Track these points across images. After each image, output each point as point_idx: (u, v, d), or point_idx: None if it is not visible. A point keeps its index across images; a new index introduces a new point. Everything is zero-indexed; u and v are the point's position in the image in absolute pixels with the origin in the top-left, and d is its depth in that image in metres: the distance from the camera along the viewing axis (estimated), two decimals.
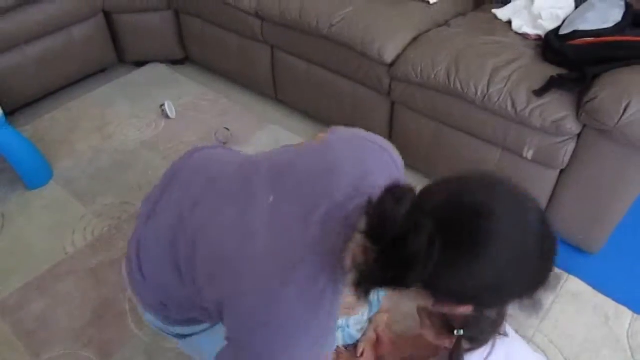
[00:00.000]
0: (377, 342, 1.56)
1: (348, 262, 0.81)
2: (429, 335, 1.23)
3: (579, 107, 1.60)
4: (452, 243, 0.67)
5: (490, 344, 1.20)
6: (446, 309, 0.76)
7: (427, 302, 0.75)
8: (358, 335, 1.55)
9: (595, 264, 1.88)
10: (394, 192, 0.72)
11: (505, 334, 1.22)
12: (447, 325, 1.16)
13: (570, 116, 1.62)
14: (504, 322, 1.20)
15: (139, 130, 2.51)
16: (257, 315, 0.81)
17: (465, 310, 0.75)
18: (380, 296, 1.51)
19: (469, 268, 0.68)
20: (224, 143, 2.39)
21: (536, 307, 0.74)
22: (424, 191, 0.75)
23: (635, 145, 1.51)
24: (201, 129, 2.50)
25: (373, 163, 0.97)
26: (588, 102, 1.56)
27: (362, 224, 0.76)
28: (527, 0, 2.01)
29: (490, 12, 2.09)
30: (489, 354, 1.19)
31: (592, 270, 1.85)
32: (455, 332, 1.14)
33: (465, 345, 1.17)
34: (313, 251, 0.81)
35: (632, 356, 1.62)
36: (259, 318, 0.81)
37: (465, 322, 1.14)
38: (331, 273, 0.81)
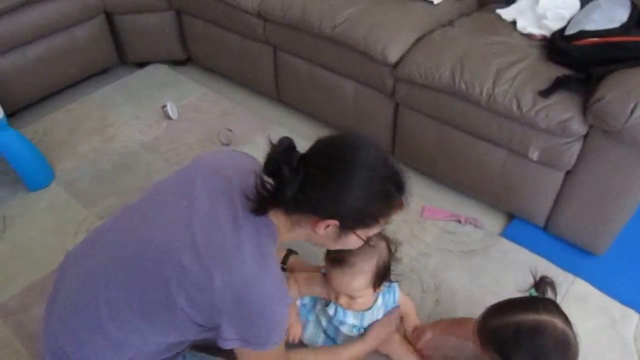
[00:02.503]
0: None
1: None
2: (478, 349, 1.23)
3: (585, 108, 1.59)
4: (314, 168, 0.99)
5: None
6: (322, 225, 1.02)
7: (313, 225, 1.04)
8: None
9: (601, 266, 1.86)
10: (277, 142, 1.01)
11: None
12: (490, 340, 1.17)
13: (576, 117, 1.60)
14: None
15: (140, 132, 2.50)
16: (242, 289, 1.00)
17: (334, 224, 1.02)
18: (396, 296, 1.50)
19: (324, 188, 0.99)
20: (227, 144, 2.37)
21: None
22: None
23: None
24: (203, 130, 2.49)
25: (238, 157, 1.24)
26: (595, 103, 1.55)
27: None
28: (532, 0, 1.99)
29: (495, 12, 2.08)
30: None
31: (599, 272, 1.83)
32: None
33: None
34: (244, 215, 1.04)
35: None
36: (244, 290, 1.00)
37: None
38: (263, 226, 1.06)
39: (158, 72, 2.92)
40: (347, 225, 1.04)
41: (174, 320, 1.03)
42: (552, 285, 1.23)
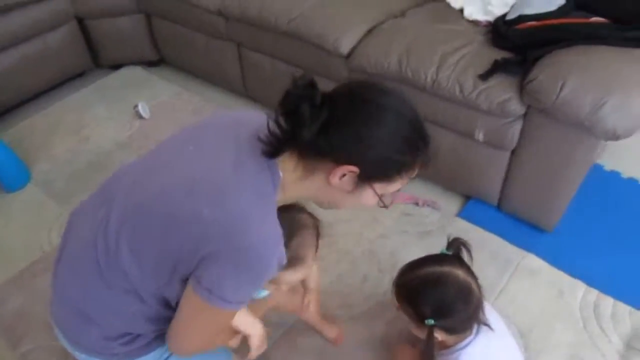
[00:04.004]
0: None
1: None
2: (413, 328, 1.32)
3: (522, 88, 1.66)
4: (340, 107, 0.92)
5: (473, 334, 1.27)
6: (340, 173, 0.94)
7: (328, 173, 0.95)
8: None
9: (551, 241, 1.94)
10: (299, 77, 0.93)
11: (489, 327, 1.28)
12: (418, 315, 1.24)
13: (514, 98, 1.68)
14: (482, 314, 1.27)
15: (114, 132, 2.58)
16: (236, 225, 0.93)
17: (353, 172, 0.94)
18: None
19: (351, 127, 0.92)
20: None
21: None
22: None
23: (573, 122, 1.57)
24: (174, 128, 2.49)
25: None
26: (528, 83, 1.62)
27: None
28: None
29: (445, 1, 2.15)
30: (469, 343, 1.27)
31: (549, 247, 1.91)
32: (426, 321, 1.21)
33: (442, 336, 1.24)
34: (248, 155, 0.99)
35: (584, 327, 1.68)
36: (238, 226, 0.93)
37: (434, 312, 1.21)
38: (266, 167, 0.99)
39: (132, 74, 3.00)
40: (368, 173, 0.95)
41: (160, 262, 0.98)
42: (465, 244, 1.31)
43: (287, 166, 0.99)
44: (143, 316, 1.07)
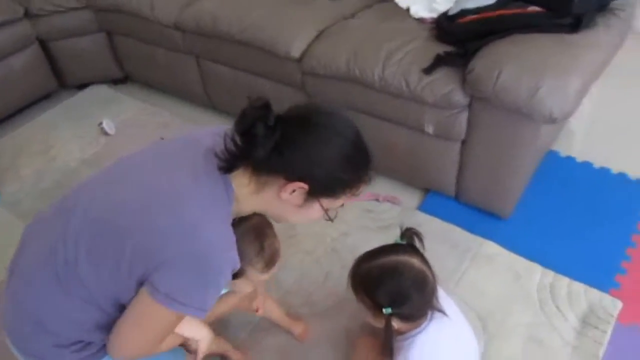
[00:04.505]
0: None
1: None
2: (370, 318, 1.34)
3: (463, 80, 1.72)
4: (292, 128, 0.98)
5: (427, 321, 1.30)
6: (290, 188, 1.01)
7: (279, 188, 1.03)
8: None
9: (508, 227, 1.98)
10: (255, 99, 0.99)
11: (443, 312, 1.30)
12: (376, 304, 1.27)
13: (457, 89, 1.73)
14: (435, 300, 1.30)
15: (80, 150, 2.61)
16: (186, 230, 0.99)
17: (303, 188, 1.01)
18: None
19: (301, 147, 0.99)
20: None
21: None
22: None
23: (512, 108, 1.63)
24: (140, 143, 2.51)
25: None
26: (468, 73, 1.68)
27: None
28: None
29: (393, 1, 2.21)
30: (423, 329, 1.29)
31: (506, 233, 1.96)
32: (384, 310, 1.24)
33: (398, 324, 1.27)
34: (204, 171, 1.05)
35: (541, 307, 1.72)
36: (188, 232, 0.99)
37: (391, 301, 1.24)
38: (222, 183, 1.05)
39: (98, 92, 3.04)
40: (316, 190, 1.03)
41: (117, 269, 1.01)
42: (417, 234, 1.35)
43: (241, 181, 1.06)
44: (98, 324, 1.10)
